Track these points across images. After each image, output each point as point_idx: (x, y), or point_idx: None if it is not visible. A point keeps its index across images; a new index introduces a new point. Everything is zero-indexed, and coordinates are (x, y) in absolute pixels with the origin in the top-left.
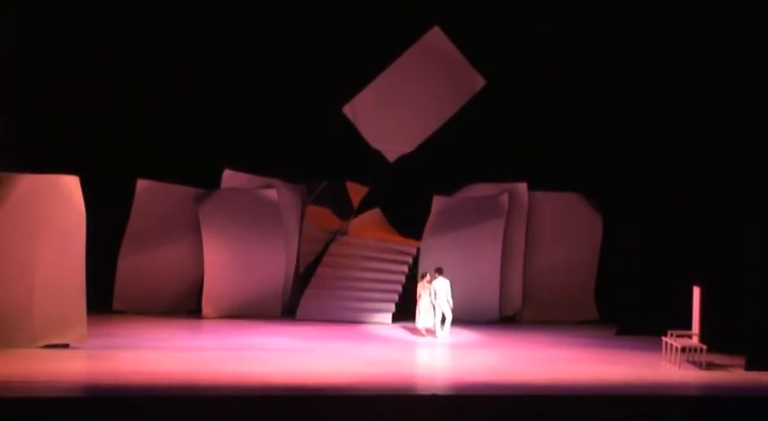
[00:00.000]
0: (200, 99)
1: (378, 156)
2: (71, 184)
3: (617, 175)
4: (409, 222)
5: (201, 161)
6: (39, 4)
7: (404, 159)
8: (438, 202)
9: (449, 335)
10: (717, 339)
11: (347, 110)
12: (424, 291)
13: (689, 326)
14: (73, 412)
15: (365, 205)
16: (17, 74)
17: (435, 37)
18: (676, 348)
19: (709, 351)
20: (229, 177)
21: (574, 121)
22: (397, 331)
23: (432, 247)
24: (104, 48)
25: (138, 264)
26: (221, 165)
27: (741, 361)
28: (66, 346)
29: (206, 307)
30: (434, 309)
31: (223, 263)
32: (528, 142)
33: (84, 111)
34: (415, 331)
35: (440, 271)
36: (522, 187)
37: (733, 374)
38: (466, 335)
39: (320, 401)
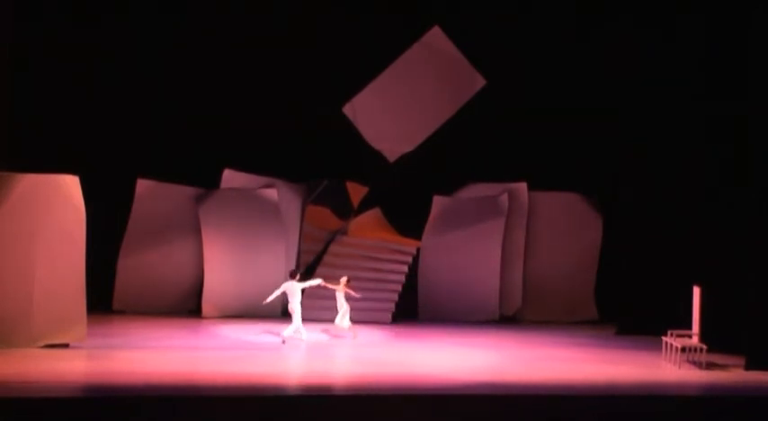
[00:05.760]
0: (200, 99)
1: (378, 156)
2: (71, 184)
3: (617, 175)
4: (409, 222)
5: (201, 161)
6: (39, 4)
7: (404, 159)
8: (438, 202)
9: (292, 335)
10: (717, 339)
11: (347, 110)
12: (339, 292)
13: (689, 326)
14: (73, 412)
15: (365, 205)
16: (17, 73)
17: (435, 37)
18: (676, 348)
19: (709, 351)
20: (229, 177)
21: (574, 122)
22: (398, 331)
23: (432, 247)
24: (104, 47)
25: (138, 264)
26: (221, 165)
27: (741, 361)
28: (66, 346)
29: (206, 307)
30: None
31: (223, 263)
32: (528, 142)
33: (84, 111)
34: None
35: (293, 274)
36: (522, 187)
37: (733, 374)
38: (465, 334)
39: (319, 401)
